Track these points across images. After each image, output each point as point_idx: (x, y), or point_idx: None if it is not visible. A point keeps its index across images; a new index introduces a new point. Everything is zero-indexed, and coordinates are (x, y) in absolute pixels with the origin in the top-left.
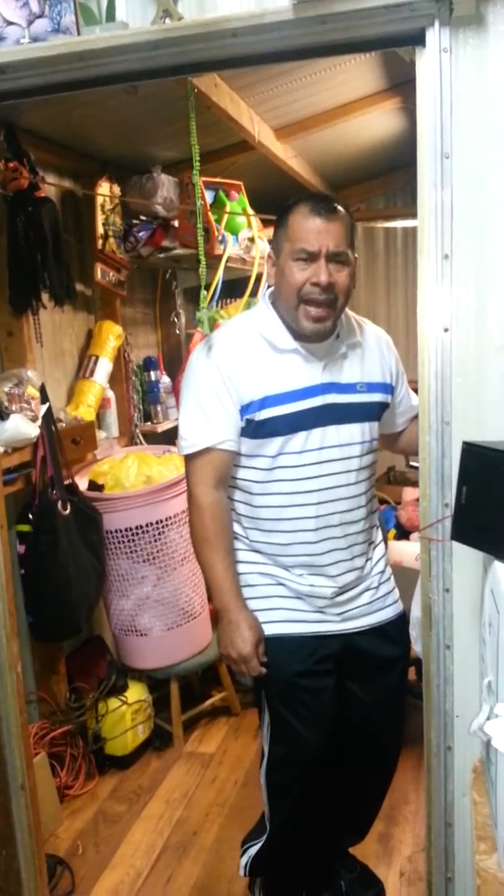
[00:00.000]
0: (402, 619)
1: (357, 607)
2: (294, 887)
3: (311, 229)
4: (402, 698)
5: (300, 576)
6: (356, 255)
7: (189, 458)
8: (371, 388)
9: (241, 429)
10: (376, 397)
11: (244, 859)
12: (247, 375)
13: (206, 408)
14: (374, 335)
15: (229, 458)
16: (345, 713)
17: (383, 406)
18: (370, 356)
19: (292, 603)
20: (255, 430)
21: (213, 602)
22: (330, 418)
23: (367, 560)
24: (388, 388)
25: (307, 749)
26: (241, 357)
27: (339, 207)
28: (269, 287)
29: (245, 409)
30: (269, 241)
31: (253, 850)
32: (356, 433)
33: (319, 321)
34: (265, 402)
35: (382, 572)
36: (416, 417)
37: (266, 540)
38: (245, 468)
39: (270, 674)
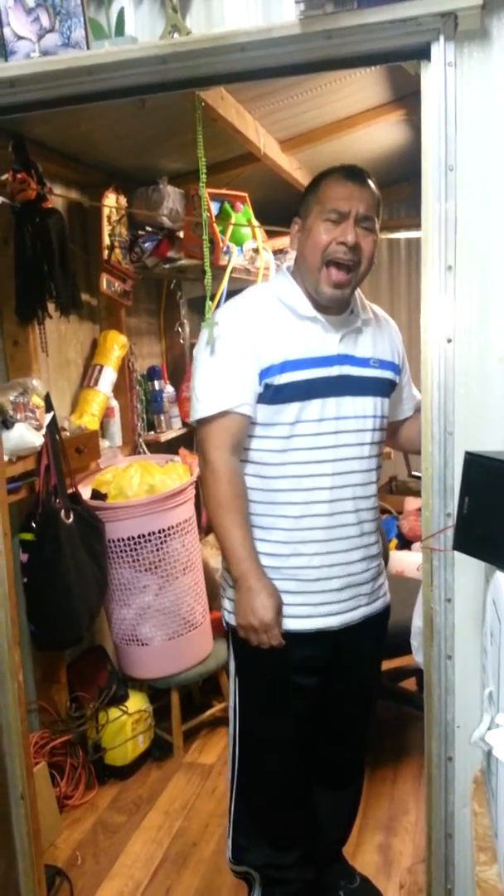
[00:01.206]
0: (387, 612)
1: (357, 596)
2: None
3: (343, 192)
4: (374, 690)
5: (310, 556)
6: (378, 236)
7: (204, 422)
8: (382, 364)
9: (258, 395)
10: (387, 374)
11: (227, 841)
12: (268, 339)
13: (225, 370)
14: (384, 316)
15: (245, 424)
16: (320, 703)
17: (392, 385)
18: (381, 335)
19: (298, 598)
20: (273, 395)
21: (231, 569)
22: (345, 389)
23: (375, 541)
24: (396, 369)
25: (280, 745)
26: (263, 321)
27: (371, 181)
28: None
29: (265, 373)
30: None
31: (229, 824)
32: (369, 406)
33: (339, 287)
34: (285, 367)
35: (380, 563)
36: (418, 410)
37: (278, 513)
38: (261, 438)
39: (264, 665)
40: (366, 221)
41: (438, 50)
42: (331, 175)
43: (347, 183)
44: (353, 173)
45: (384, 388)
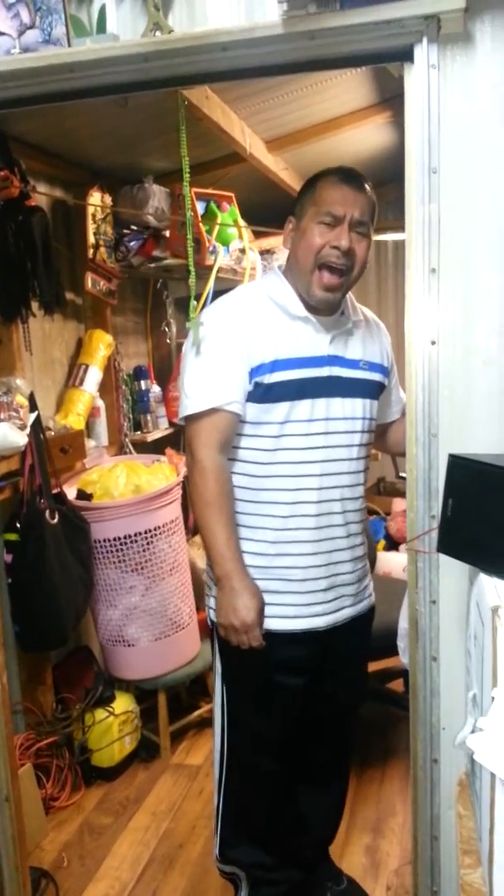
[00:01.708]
0: (373, 612)
1: (342, 597)
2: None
3: (339, 195)
4: (362, 683)
5: (297, 556)
6: (371, 241)
7: (193, 419)
8: (372, 367)
9: (247, 393)
10: (376, 377)
11: (215, 840)
12: (259, 338)
13: (215, 367)
14: (373, 319)
15: (234, 423)
16: (306, 703)
17: (381, 387)
18: (371, 337)
19: (285, 598)
20: (262, 393)
21: (214, 569)
22: (335, 390)
23: (361, 543)
24: (385, 371)
25: (267, 745)
26: (254, 319)
27: (368, 185)
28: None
29: (255, 371)
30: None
31: (216, 823)
32: (359, 408)
33: (330, 290)
34: (275, 366)
35: (365, 565)
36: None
37: (266, 513)
38: (250, 437)
39: (249, 665)
40: (360, 226)
41: (421, 52)
42: (327, 177)
43: (344, 186)
44: (350, 177)
45: (373, 391)
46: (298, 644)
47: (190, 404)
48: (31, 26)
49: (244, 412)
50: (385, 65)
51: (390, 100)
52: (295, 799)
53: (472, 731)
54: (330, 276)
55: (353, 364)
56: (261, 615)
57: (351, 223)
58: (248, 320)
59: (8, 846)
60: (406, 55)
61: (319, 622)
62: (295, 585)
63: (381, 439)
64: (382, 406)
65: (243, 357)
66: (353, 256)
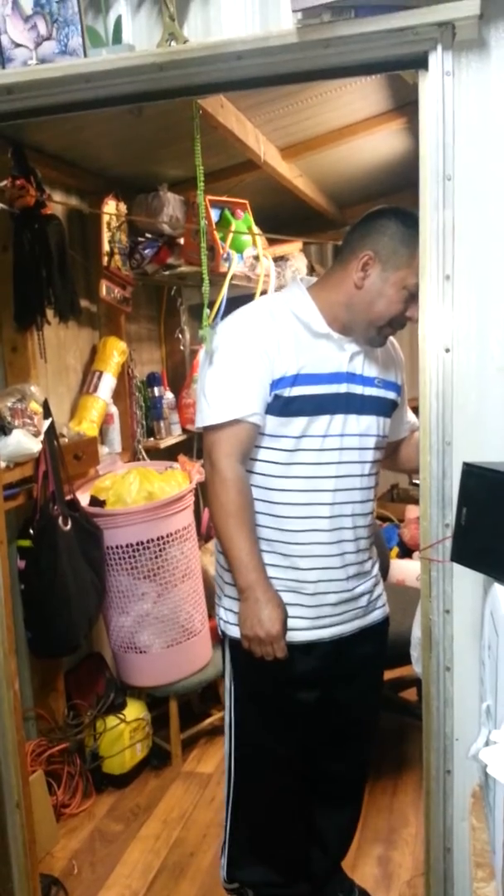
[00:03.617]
0: (386, 622)
1: (352, 609)
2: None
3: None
4: (377, 695)
5: (307, 570)
6: None
7: (213, 429)
8: (386, 385)
9: (267, 405)
10: (390, 395)
11: (222, 861)
12: (282, 350)
13: (239, 377)
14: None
15: (254, 434)
16: (322, 715)
17: (394, 405)
18: (385, 355)
19: (295, 610)
20: (282, 407)
21: (237, 580)
22: (351, 407)
23: (368, 558)
24: (399, 389)
25: (277, 758)
26: (279, 332)
27: None
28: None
29: (276, 384)
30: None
31: (225, 841)
32: (373, 425)
33: (385, 341)
34: (297, 380)
35: (376, 575)
36: (415, 431)
37: (278, 526)
38: (266, 449)
39: (260, 677)
40: None
41: (436, 59)
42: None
43: None
44: None
45: (387, 408)
46: (308, 655)
47: (211, 413)
48: (48, 38)
49: (264, 424)
50: (399, 72)
51: (404, 106)
52: (307, 814)
53: (486, 744)
54: (391, 332)
55: (369, 382)
56: (285, 625)
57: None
58: (273, 332)
59: (19, 853)
60: (420, 62)
61: (326, 633)
62: (305, 598)
63: (392, 457)
64: (394, 424)
65: (267, 368)
66: None
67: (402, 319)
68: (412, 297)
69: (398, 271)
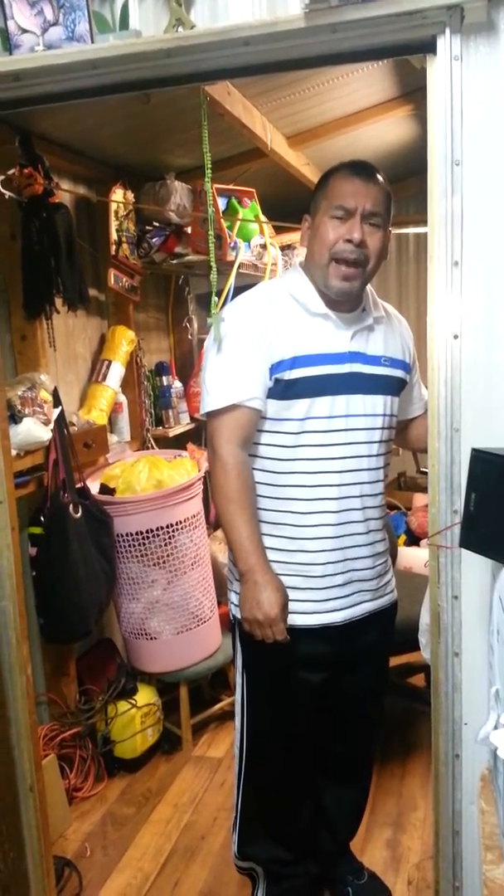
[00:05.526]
0: (394, 608)
1: (360, 591)
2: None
3: (350, 188)
4: (383, 679)
5: (316, 553)
6: (390, 230)
7: (214, 415)
8: (393, 363)
9: (268, 389)
10: (398, 373)
11: (233, 837)
12: (279, 334)
13: (235, 363)
14: (395, 315)
15: (255, 419)
16: (328, 698)
17: (402, 383)
18: (392, 333)
19: (303, 594)
20: (283, 390)
21: (237, 563)
22: (356, 387)
23: (380, 539)
24: (407, 367)
25: (286, 739)
26: (274, 316)
27: (380, 176)
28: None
29: (275, 368)
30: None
31: (235, 819)
32: (380, 405)
33: (348, 280)
34: (296, 362)
35: (386, 561)
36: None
37: (286, 509)
38: (270, 433)
39: (269, 660)
40: (373, 217)
41: (444, 43)
42: (338, 171)
43: (354, 179)
44: (360, 168)
45: (394, 387)
46: (317, 639)
47: (211, 400)
48: (55, 23)
49: (265, 408)
50: (407, 57)
51: (412, 93)
52: (315, 793)
53: (495, 727)
54: (346, 267)
55: (374, 360)
56: (284, 609)
57: (363, 215)
58: (268, 317)
59: (32, 835)
60: (429, 47)
61: (336, 617)
62: (314, 581)
63: (403, 435)
64: (404, 402)
65: (263, 353)
66: (366, 248)
67: (345, 248)
68: (341, 222)
69: (320, 208)
